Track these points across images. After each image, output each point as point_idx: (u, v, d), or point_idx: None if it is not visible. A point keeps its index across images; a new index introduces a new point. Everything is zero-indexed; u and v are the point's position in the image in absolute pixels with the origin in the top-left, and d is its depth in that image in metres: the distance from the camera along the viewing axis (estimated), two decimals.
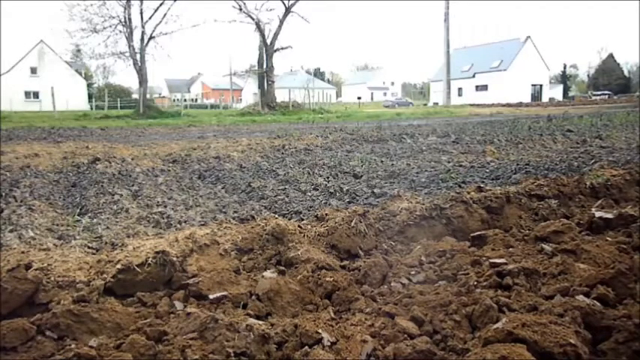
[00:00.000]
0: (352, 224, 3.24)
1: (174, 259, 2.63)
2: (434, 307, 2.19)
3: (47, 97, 36.81)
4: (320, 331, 2.03)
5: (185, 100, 47.46)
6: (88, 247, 3.36)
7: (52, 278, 2.44)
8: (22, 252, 2.81)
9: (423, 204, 3.78)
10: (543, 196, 4.25)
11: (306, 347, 1.94)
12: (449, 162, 7.19)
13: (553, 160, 6.87)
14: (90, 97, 58.56)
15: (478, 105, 47.22)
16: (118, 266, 2.54)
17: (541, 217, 3.85)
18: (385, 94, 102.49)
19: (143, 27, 33.61)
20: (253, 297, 2.45)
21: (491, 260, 2.68)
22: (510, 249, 2.96)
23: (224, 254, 2.90)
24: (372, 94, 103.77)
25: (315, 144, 10.23)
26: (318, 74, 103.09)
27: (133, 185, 5.70)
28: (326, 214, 3.67)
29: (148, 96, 38.58)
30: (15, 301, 2.24)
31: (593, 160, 6.48)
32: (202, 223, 4.07)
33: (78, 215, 4.43)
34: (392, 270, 2.81)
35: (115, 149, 9.17)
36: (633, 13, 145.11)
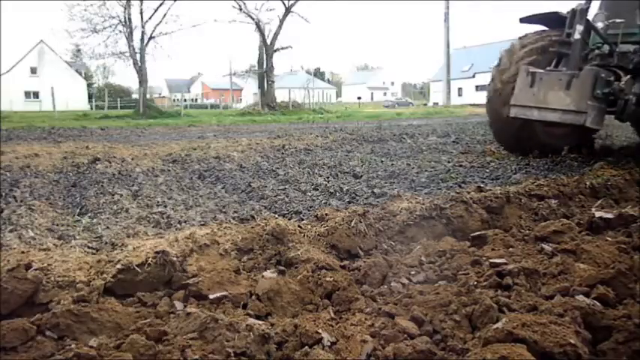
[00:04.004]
0: (352, 224, 3.24)
1: (174, 259, 2.64)
2: (434, 307, 2.19)
3: (47, 97, 36.78)
4: (320, 331, 2.03)
5: (185, 100, 47.41)
6: (88, 247, 3.36)
7: (52, 278, 2.44)
8: (22, 252, 2.81)
9: (423, 204, 3.78)
10: (543, 196, 4.25)
11: (306, 347, 1.94)
12: (449, 162, 7.20)
13: (553, 159, 6.88)
14: (90, 97, 58.54)
15: (478, 105, 47.19)
16: (118, 266, 2.54)
17: (541, 217, 3.85)
18: (385, 94, 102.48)
19: (143, 27, 33.61)
20: (253, 297, 2.45)
21: (491, 260, 2.69)
22: (510, 249, 2.97)
23: (224, 254, 2.90)
24: (372, 94, 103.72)
25: (315, 144, 10.23)
26: (318, 74, 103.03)
27: (133, 185, 5.70)
28: (326, 214, 3.66)
29: (148, 96, 38.56)
30: (15, 301, 2.24)
31: (593, 160, 6.48)
32: (202, 223, 4.07)
33: (78, 215, 4.43)
34: (392, 270, 2.81)
35: (115, 149, 9.17)
36: None
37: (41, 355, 1.91)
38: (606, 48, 6.29)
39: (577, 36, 6.22)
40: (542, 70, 6.23)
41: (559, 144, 7.30)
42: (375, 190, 5.17)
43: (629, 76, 5.90)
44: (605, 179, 4.72)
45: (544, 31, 7.42)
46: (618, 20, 6.21)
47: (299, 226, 3.34)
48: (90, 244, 3.45)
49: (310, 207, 4.61)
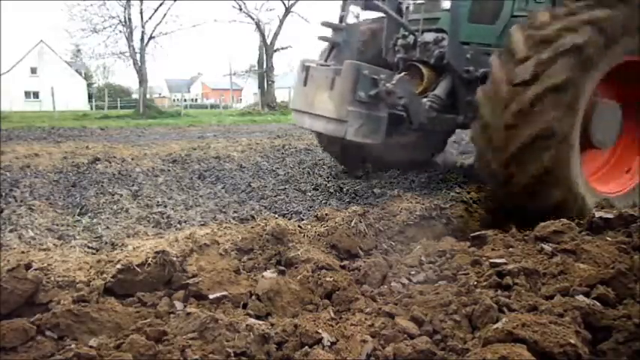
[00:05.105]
0: (352, 224, 3.24)
1: (174, 259, 2.64)
2: (434, 307, 2.19)
3: (47, 97, 36.76)
4: (320, 331, 2.03)
5: (185, 100, 47.37)
6: (88, 247, 3.37)
7: (52, 278, 2.44)
8: (22, 252, 2.81)
9: (423, 204, 3.78)
10: None
11: (306, 347, 1.94)
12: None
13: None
14: (90, 97, 58.46)
15: None
16: (118, 266, 2.54)
17: None
18: None
19: (143, 27, 33.58)
20: (253, 297, 2.46)
21: (491, 260, 2.69)
22: (510, 249, 2.96)
23: (224, 254, 2.90)
24: None
25: (315, 144, 10.20)
26: None
27: (133, 185, 5.71)
28: (326, 214, 3.67)
29: (147, 96, 38.55)
30: (15, 301, 2.24)
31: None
32: (202, 223, 4.08)
33: (78, 215, 4.43)
34: (392, 270, 2.82)
35: (115, 149, 9.16)
36: None
37: (41, 355, 1.91)
38: (412, 37, 5.05)
39: (351, 20, 4.86)
40: (314, 64, 4.82)
41: (398, 158, 6.09)
42: (375, 190, 5.17)
43: (402, 74, 4.60)
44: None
45: (380, 18, 5.72)
46: (419, 1, 4.99)
47: (299, 226, 3.34)
48: (90, 244, 3.45)
49: (310, 207, 4.62)
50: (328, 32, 4.94)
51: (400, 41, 5.15)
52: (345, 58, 4.47)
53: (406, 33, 5.09)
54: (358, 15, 4.86)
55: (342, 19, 4.87)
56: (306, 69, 4.72)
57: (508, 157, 3.60)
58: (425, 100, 4.75)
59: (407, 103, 4.45)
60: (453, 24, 4.72)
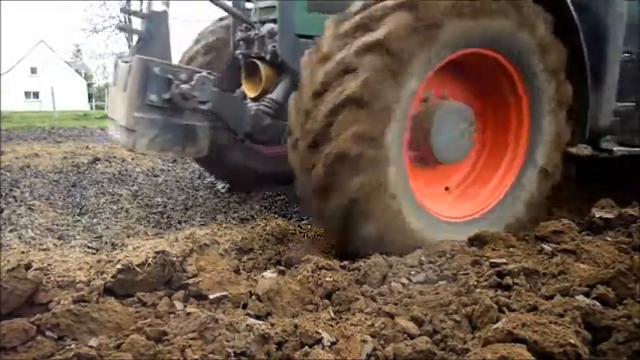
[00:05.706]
0: None
1: (174, 259, 2.64)
2: (434, 307, 2.19)
3: (47, 97, 36.82)
4: (320, 331, 2.03)
5: None
6: (88, 247, 3.37)
7: (52, 278, 2.44)
8: (22, 252, 2.82)
9: None
10: None
11: (306, 347, 1.94)
12: None
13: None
14: (90, 97, 58.52)
15: None
16: (118, 266, 2.54)
17: None
18: None
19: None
20: (253, 297, 2.45)
21: (492, 260, 2.68)
22: (510, 249, 2.96)
23: (224, 254, 2.90)
24: None
25: None
26: None
27: (133, 185, 5.71)
28: None
29: None
30: (15, 301, 2.24)
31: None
32: (202, 223, 4.07)
33: (78, 215, 4.43)
34: (392, 270, 2.81)
35: (115, 149, 9.15)
36: None
37: (41, 355, 1.91)
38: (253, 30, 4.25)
39: (159, 7, 3.99)
40: (123, 61, 3.87)
41: (281, 169, 4.56)
42: None
43: (203, 74, 3.65)
44: None
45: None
46: None
47: (299, 226, 3.35)
48: (90, 244, 3.46)
49: None
50: None
51: (239, 34, 4.35)
52: (151, 53, 3.64)
53: (248, 24, 4.29)
54: (168, 2, 4.04)
55: (148, 5, 3.99)
56: (115, 67, 3.99)
57: (317, 182, 2.86)
58: (253, 104, 4.03)
59: (215, 108, 3.68)
60: (283, 13, 3.85)
